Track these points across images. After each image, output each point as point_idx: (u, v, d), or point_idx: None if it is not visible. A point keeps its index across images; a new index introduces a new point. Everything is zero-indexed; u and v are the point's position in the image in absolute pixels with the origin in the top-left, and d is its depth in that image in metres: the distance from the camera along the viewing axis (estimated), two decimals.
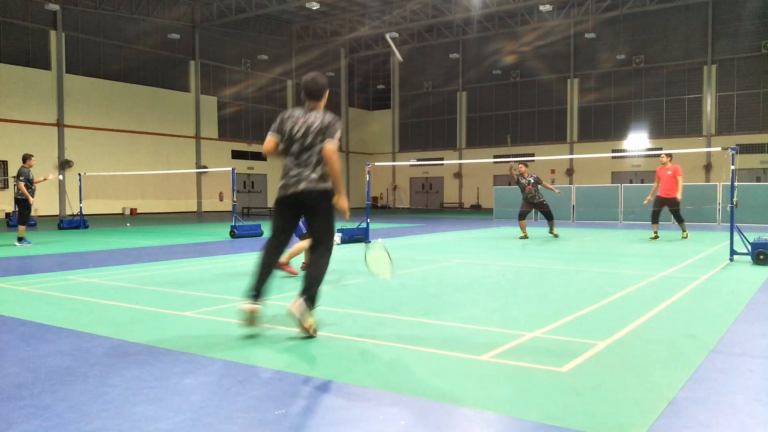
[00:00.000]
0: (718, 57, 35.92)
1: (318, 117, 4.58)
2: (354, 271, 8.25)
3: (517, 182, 14.23)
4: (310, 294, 4.43)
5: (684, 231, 13.66)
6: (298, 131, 4.56)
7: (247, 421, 2.84)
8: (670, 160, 13.17)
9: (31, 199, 12.94)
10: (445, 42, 43.99)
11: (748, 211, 18.61)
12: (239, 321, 4.52)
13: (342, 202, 4.61)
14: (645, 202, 13.48)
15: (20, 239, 12.65)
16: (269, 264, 4.58)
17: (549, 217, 14.40)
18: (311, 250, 4.66)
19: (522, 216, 14.30)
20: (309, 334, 4.41)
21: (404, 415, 2.93)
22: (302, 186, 4.47)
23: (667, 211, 13.41)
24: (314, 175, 4.49)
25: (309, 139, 4.52)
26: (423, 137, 46.93)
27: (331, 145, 4.46)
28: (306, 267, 4.80)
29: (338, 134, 4.55)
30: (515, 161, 14.92)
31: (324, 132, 4.51)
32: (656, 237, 13.45)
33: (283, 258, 6.52)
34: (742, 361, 3.84)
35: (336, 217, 4.66)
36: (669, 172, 13.00)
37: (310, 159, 4.51)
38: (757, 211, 19.25)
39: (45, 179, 14.32)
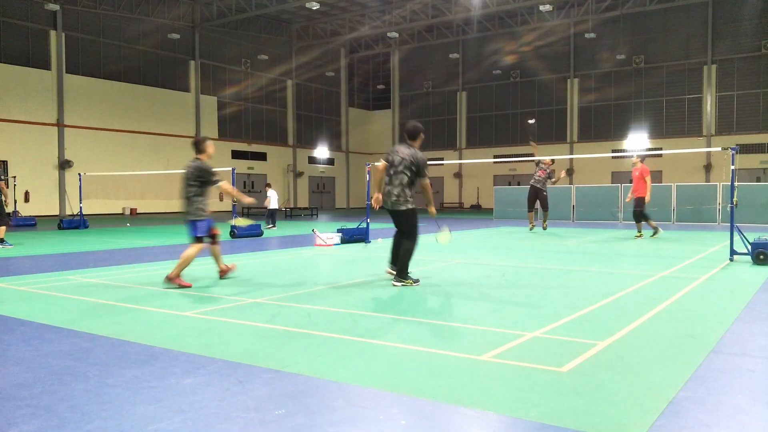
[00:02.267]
0: (718, 57, 35.91)
1: (411, 154, 6.89)
2: (354, 271, 8.25)
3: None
4: (400, 270, 6.81)
5: (639, 231, 13.88)
6: (395, 161, 6.89)
7: (247, 421, 2.84)
8: (641, 161, 13.49)
9: (6, 196, 12.50)
10: (445, 42, 43.97)
11: (748, 211, 18.61)
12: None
13: (432, 210, 7.20)
14: (627, 200, 14.14)
15: (1, 240, 12.14)
16: (397, 246, 7.00)
17: (540, 207, 15.54)
18: (403, 238, 6.91)
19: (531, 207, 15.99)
20: (412, 286, 6.75)
21: (404, 415, 2.93)
22: (391, 204, 6.87)
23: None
24: (395, 196, 6.81)
25: (400, 168, 6.83)
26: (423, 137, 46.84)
27: (425, 181, 6.94)
28: (398, 250, 6.93)
29: (428, 170, 6.98)
30: (549, 159, 15.71)
31: (416, 168, 6.85)
32: (657, 232, 13.79)
33: (172, 273, 6.86)
34: (742, 361, 3.84)
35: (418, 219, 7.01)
36: (636, 173, 13.38)
37: (397, 182, 6.83)
38: (757, 211, 19.25)
39: None
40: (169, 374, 3.57)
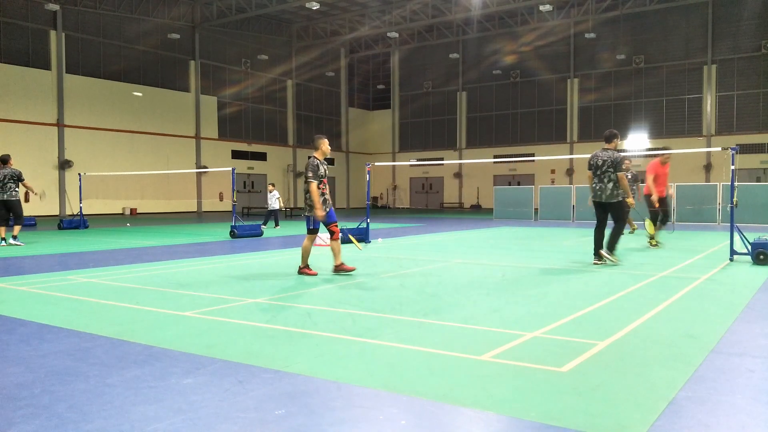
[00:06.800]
0: (718, 57, 35.91)
1: (610, 156, 8.57)
2: (354, 271, 8.25)
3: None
4: (611, 245, 8.66)
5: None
6: (598, 163, 8.66)
7: (247, 421, 2.84)
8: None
9: (33, 190, 13.06)
10: (445, 42, 43.97)
11: (748, 211, 18.61)
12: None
13: (630, 201, 8.88)
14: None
15: (2, 239, 12.39)
16: (600, 237, 8.76)
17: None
18: (616, 223, 8.70)
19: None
20: (615, 264, 8.54)
21: (404, 415, 2.93)
22: (603, 198, 8.62)
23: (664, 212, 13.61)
24: (608, 191, 8.56)
25: (604, 168, 8.57)
26: (423, 137, 46.92)
27: (621, 174, 8.46)
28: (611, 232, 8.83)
29: (622, 164, 8.56)
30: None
31: (613, 165, 8.50)
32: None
33: (336, 261, 7.88)
34: (742, 361, 3.84)
35: (626, 207, 8.91)
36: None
37: (605, 179, 8.58)
38: (757, 211, 19.24)
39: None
40: (169, 374, 3.57)
